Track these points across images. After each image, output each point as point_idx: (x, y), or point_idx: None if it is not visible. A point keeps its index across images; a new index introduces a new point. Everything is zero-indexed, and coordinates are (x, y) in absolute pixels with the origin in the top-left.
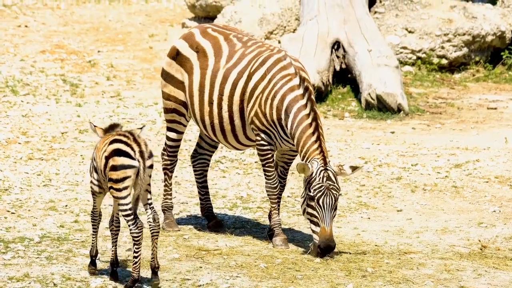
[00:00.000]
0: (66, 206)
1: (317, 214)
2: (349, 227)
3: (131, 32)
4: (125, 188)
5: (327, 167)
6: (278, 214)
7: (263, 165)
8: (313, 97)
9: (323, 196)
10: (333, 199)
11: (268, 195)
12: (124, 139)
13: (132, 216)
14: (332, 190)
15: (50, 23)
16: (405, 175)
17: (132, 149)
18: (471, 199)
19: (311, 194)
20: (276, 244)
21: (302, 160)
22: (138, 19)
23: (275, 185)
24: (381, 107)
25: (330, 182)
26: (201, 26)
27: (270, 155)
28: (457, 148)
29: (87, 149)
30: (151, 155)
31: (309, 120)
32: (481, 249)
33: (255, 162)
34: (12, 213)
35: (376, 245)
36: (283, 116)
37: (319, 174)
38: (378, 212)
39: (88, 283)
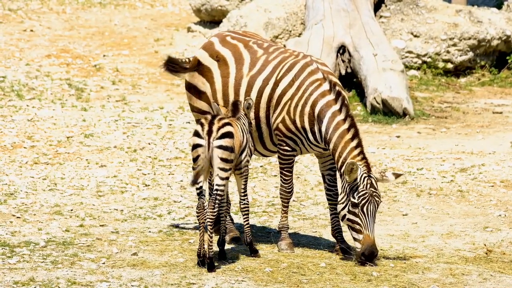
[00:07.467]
0: (72, 210)
1: (360, 222)
2: None
3: (137, 36)
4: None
5: (370, 174)
6: (287, 218)
7: (282, 169)
8: (347, 101)
9: (367, 203)
10: (376, 207)
11: (281, 198)
12: (203, 120)
13: (198, 195)
14: (375, 197)
15: (55, 27)
16: (411, 179)
17: (202, 128)
18: (476, 203)
19: (356, 201)
20: (281, 248)
21: (340, 166)
22: (144, 23)
23: (290, 190)
24: (387, 112)
25: (373, 189)
26: (220, 34)
27: (291, 160)
28: (462, 152)
29: (93, 153)
30: (223, 136)
31: (346, 125)
32: (486, 254)
33: (261, 166)
34: (17, 217)
35: (381, 249)
36: (315, 122)
37: (363, 181)
38: (384, 216)
39: (94, 287)
